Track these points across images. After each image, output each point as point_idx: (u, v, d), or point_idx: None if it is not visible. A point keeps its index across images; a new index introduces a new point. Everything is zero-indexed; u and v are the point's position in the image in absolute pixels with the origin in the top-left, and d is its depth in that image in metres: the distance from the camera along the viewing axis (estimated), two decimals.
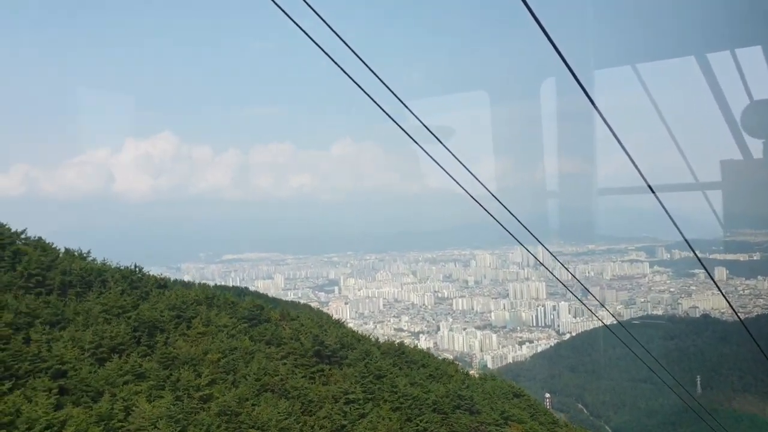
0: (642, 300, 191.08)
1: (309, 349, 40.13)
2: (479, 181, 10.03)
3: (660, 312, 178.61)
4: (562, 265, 18.48)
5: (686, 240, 11.80)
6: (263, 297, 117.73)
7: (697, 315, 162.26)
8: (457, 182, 10.21)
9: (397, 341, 57.06)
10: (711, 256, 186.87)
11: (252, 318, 43.37)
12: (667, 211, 10.19)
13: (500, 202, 10.62)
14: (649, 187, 9.02)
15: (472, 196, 10.48)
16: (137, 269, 42.88)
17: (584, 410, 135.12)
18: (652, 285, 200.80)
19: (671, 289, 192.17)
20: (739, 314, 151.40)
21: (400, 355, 48.45)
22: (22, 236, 39.50)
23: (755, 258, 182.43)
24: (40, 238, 40.29)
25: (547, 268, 21.05)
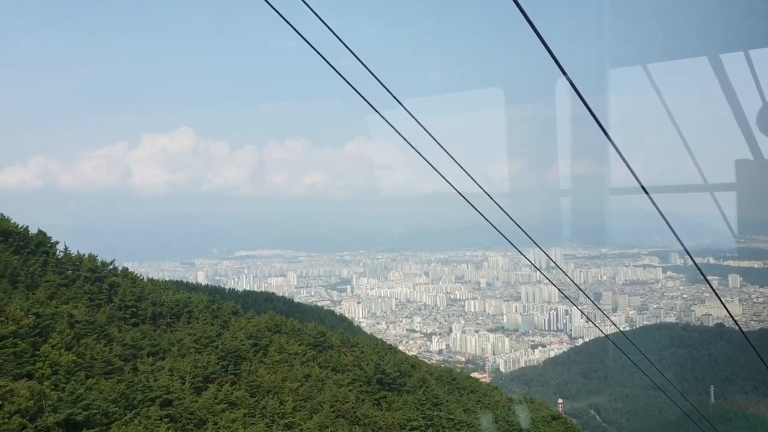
0: (655, 306, 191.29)
1: (372, 377, 43.06)
2: (476, 182, 9.92)
3: (672, 318, 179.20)
4: (563, 272, 18.42)
5: (684, 248, 11.75)
6: (282, 300, 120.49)
7: (711, 324, 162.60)
8: (451, 184, 9.90)
9: (447, 365, 59.57)
10: (725, 263, 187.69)
11: (317, 345, 46.34)
12: (663, 216, 9.90)
13: (497, 204, 10.47)
14: (643, 188, 8.88)
15: (465, 198, 10.16)
16: (216, 298, 45.93)
17: (597, 417, 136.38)
18: (664, 291, 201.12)
19: (684, 296, 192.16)
20: (745, 324, 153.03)
21: (451, 381, 51.38)
22: (110, 267, 42.56)
23: None
24: (125, 269, 43.27)
25: (547, 277, 21.40)
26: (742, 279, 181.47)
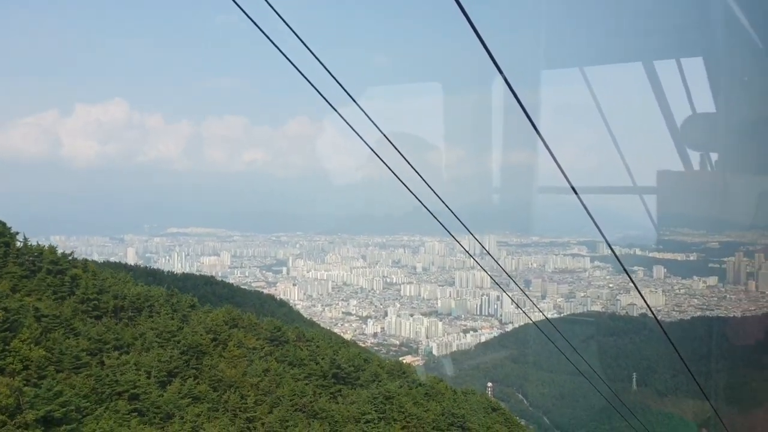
0: (582, 294, 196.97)
1: (327, 371, 44.90)
2: (411, 165, 9.90)
3: (599, 307, 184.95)
4: (493, 258, 18.52)
5: (607, 241, 12.25)
6: (222, 284, 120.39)
7: (636, 313, 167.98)
8: (393, 172, 10.05)
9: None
10: (650, 255, 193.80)
11: (273, 339, 47.77)
12: (588, 212, 10.13)
13: (432, 189, 10.57)
14: (573, 189, 9.09)
15: (402, 182, 10.30)
16: (174, 292, 46.70)
17: (524, 401, 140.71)
18: (592, 280, 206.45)
19: (610, 285, 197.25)
20: (667, 314, 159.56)
21: (401, 374, 53.53)
22: (70, 258, 42.89)
23: (692, 258, 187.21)
24: (85, 259, 43.60)
25: (479, 263, 21.84)
26: (666, 270, 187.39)
